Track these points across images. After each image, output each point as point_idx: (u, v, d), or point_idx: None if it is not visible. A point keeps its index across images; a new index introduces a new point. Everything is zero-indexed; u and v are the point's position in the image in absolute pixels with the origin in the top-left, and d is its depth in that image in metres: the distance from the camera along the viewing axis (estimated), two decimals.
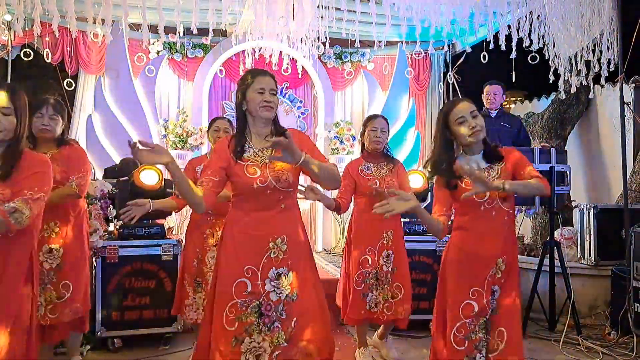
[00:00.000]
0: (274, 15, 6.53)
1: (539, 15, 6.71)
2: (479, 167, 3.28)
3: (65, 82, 8.60)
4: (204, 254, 4.82)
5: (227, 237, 3.14)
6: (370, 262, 4.70)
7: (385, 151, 4.89)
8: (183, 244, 5.14)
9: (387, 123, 4.89)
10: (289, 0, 6.54)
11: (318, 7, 6.93)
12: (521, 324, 3.43)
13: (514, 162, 3.35)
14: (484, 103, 7.08)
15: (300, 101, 10.02)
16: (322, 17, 7.14)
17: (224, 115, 9.45)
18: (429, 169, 3.49)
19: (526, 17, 6.79)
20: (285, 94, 9.88)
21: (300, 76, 9.66)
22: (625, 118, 6.28)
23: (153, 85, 9.03)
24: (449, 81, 10.09)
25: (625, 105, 6.18)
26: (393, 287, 4.74)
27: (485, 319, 3.25)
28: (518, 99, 11.22)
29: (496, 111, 7.03)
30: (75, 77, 8.81)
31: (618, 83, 6.18)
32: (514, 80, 7.77)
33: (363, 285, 4.69)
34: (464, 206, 3.31)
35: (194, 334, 5.10)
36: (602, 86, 7.49)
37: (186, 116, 9.14)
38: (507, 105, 11.49)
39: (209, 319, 3.09)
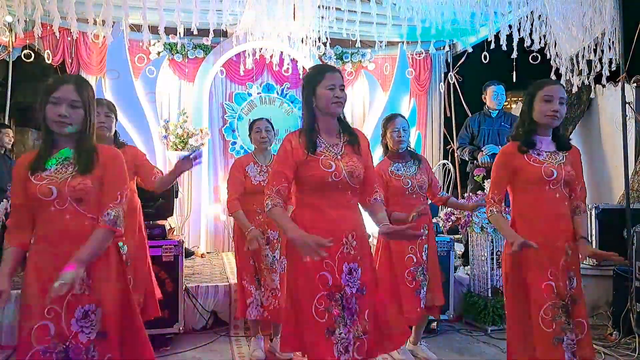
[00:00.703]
0: (275, 15, 6.53)
1: (540, 15, 6.71)
2: (544, 149, 3.52)
3: None
4: (258, 252, 4.94)
5: None
6: (415, 260, 4.75)
7: (408, 149, 4.99)
8: (234, 244, 5.25)
9: (407, 121, 4.98)
10: (289, 0, 6.53)
11: (319, 7, 6.94)
12: None
13: (576, 162, 3.59)
14: (487, 103, 7.09)
15: (301, 102, 9.97)
16: (322, 18, 7.15)
17: (225, 116, 9.49)
18: (508, 136, 3.76)
19: (527, 17, 6.79)
20: (286, 94, 9.86)
21: (301, 76, 9.64)
22: (627, 118, 6.26)
23: (154, 86, 9.01)
24: (450, 81, 10.10)
25: (626, 105, 6.16)
26: (425, 277, 4.87)
27: (563, 302, 3.35)
28: (519, 99, 11.21)
29: (496, 111, 7.04)
30: None
31: (620, 83, 6.16)
32: (514, 80, 7.75)
33: (414, 283, 4.73)
34: (531, 182, 3.45)
35: (254, 328, 5.24)
36: (604, 86, 7.48)
37: (187, 117, 9.12)
38: (509, 106, 11.47)
39: (296, 313, 3.17)
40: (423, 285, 4.77)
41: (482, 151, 6.84)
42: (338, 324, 3.01)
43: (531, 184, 3.46)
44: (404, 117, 5.03)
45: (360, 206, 3.34)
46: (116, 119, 4.39)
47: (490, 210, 3.55)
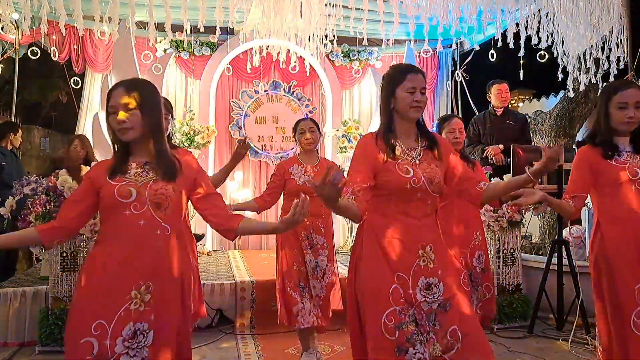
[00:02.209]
0: (282, 13, 6.52)
1: (547, 13, 6.69)
2: (624, 149, 3.44)
3: (72, 81, 8.62)
4: (302, 257, 4.84)
5: (369, 243, 2.95)
6: (464, 264, 4.60)
7: (462, 151, 4.90)
8: (276, 248, 5.04)
9: (462, 122, 4.93)
10: None
11: (326, 5, 6.92)
12: None
13: None
14: (492, 101, 7.11)
15: (308, 99, 9.99)
16: (329, 15, 7.13)
17: (232, 114, 9.50)
18: (585, 138, 3.63)
19: (534, 15, 6.77)
20: (293, 92, 9.86)
21: (308, 74, 9.65)
22: None
23: (160, 84, 8.99)
24: (457, 79, 10.08)
25: None
26: (483, 287, 4.78)
27: None
28: (526, 97, 11.19)
29: (501, 109, 7.05)
30: (82, 76, 8.83)
31: None
32: (522, 78, 7.73)
33: None
34: (615, 184, 3.39)
35: (303, 340, 4.96)
36: None
37: (193, 114, 9.13)
38: (515, 104, 11.44)
39: (359, 331, 2.95)
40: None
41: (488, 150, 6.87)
42: (412, 343, 2.73)
43: (617, 185, 3.39)
44: (460, 118, 5.01)
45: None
46: (173, 118, 4.24)
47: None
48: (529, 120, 7.59)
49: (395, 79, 3.01)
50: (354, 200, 2.83)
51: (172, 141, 4.35)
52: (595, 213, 3.55)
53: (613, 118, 3.43)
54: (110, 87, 7.96)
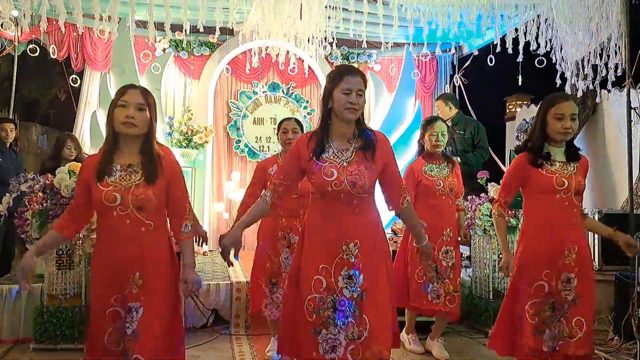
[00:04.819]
0: (282, 14, 6.52)
1: (546, 19, 6.71)
2: (556, 158, 3.70)
3: (70, 78, 8.61)
4: (277, 255, 4.85)
5: (305, 235, 3.26)
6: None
7: (444, 152, 5.16)
8: (256, 245, 5.07)
9: (446, 125, 5.09)
10: None
11: (325, 7, 6.93)
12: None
13: (585, 172, 3.78)
14: None
15: (307, 101, 9.99)
16: (329, 18, 7.14)
17: (230, 114, 9.49)
18: (519, 146, 3.89)
19: (534, 21, 6.79)
20: (292, 93, 9.87)
21: (306, 76, 9.67)
22: (632, 123, 6.23)
23: (159, 83, 9.01)
24: (456, 84, 10.08)
25: (632, 110, 6.14)
26: (456, 282, 5.03)
27: (553, 300, 3.67)
28: (524, 102, 11.19)
29: (451, 119, 7.22)
30: (80, 74, 8.81)
31: (625, 88, 6.14)
32: (520, 84, 7.74)
33: (424, 278, 4.96)
34: (541, 191, 3.66)
35: (273, 328, 5.02)
36: (609, 91, 7.45)
37: (191, 114, 9.12)
38: (513, 109, 11.43)
39: (291, 313, 3.23)
40: (432, 281, 4.95)
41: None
42: (326, 325, 3.05)
43: (543, 192, 3.65)
44: (444, 121, 5.23)
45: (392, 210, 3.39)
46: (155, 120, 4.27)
47: (498, 211, 3.87)
48: (525, 124, 7.58)
49: (333, 80, 3.13)
50: (270, 194, 3.25)
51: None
52: (524, 215, 3.86)
53: (550, 127, 3.65)
54: (108, 85, 8.01)
